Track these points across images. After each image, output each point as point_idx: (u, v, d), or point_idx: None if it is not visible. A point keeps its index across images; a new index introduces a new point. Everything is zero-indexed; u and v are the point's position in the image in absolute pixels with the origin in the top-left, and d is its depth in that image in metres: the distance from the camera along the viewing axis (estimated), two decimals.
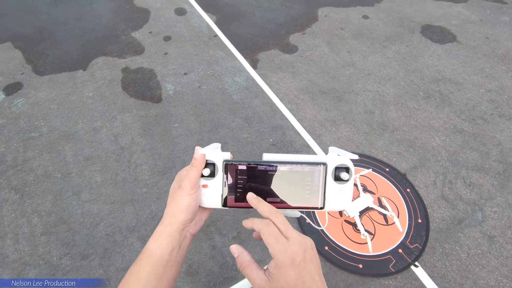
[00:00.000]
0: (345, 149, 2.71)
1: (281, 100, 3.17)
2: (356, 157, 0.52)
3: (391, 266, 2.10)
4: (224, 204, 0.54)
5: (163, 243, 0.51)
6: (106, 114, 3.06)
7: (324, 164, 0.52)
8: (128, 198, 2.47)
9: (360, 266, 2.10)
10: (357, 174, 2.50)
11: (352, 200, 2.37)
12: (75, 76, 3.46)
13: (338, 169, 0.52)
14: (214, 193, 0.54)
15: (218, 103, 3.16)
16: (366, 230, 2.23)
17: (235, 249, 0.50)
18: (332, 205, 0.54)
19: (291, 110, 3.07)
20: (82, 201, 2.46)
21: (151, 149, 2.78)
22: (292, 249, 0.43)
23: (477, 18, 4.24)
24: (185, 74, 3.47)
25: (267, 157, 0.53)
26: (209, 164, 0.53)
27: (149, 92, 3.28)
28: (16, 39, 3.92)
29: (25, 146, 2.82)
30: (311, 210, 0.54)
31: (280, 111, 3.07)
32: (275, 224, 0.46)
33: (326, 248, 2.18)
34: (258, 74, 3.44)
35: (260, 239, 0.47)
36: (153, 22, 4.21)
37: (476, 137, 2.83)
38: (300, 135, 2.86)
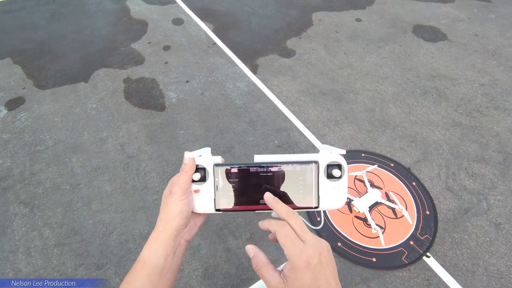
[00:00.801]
0: (349, 147, 2.79)
1: (283, 102, 3.24)
2: (343, 151, 0.52)
3: (404, 258, 2.14)
4: (217, 208, 0.53)
5: (158, 250, 0.50)
6: (111, 124, 3.08)
7: (316, 162, 0.51)
8: (139, 206, 2.48)
9: (374, 259, 2.14)
10: (364, 171, 2.56)
11: (361, 196, 2.42)
12: (77, 88, 3.48)
13: (330, 166, 0.52)
14: (206, 198, 0.53)
15: (221, 108, 3.21)
16: (376, 225, 2.27)
17: (251, 250, 0.49)
18: (326, 204, 0.53)
19: (293, 112, 3.14)
20: (93, 211, 2.46)
21: (159, 156, 2.81)
22: (307, 252, 0.43)
23: (465, 16, 4.40)
24: (187, 82, 3.52)
25: (258, 158, 0.52)
26: (200, 169, 0.53)
27: (152, 101, 3.31)
28: (16, 54, 3.94)
29: (32, 160, 2.82)
30: (305, 210, 0.53)
31: (283, 114, 3.13)
32: (291, 226, 0.46)
33: (339, 244, 2.22)
34: (259, 79, 3.51)
35: (275, 241, 0.47)
36: (151, 33, 4.27)
37: (475, 130, 2.92)
38: (304, 135, 2.92)
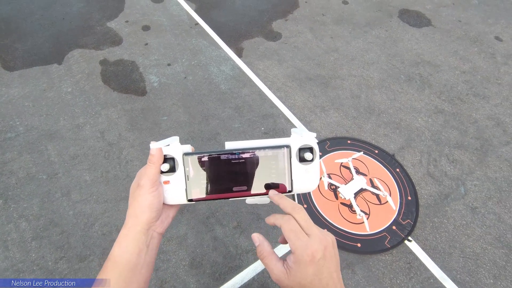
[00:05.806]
0: (335, 134, 2.79)
1: (269, 88, 3.17)
2: (314, 134, 0.53)
3: (387, 242, 2.21)
4: (190, 199, 0.53)
5: (129, 246, 0.48)
6: (89, 110, 2.92)
7: (287, 146, 0.52)
8: (122, 195, 2.40)
9: (359, 245, 2.20)
10: (350, 158, 2.58)
11: (346, 183, 2.45)
12: (50, 70, 3.24)
13: (302, 150, 0.52)
14: (177, 188, 0.52)
15: (206, 93, 3.10)
16: (361, 211, 2.32)
17: (257, 238, 0.50)
18: (300, 187, 0.53)
19: (280, 98, 3.09)
20: (73, 202, 2.36)
21: (141, 144, 2.70)
22: (312, 246, 0.44)
23: (449, 1, 4.41)
24: (169, 64, 3.36)
25: (229, 145, 0.52)
26: (168, 159, 0.51)
27: (132, 85, 3.15)
28: None
29: (2, 148, 2.64)
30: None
31: (270, 99, 3.07)
32: (296, 220, 0.46)
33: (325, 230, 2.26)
34: (244, 63, 3.40)
35: (285, 242, 0.47)
36: (128, 11, 4.00)
37: (455, 116, 2.99)
38: (291, 122, 2.89)
